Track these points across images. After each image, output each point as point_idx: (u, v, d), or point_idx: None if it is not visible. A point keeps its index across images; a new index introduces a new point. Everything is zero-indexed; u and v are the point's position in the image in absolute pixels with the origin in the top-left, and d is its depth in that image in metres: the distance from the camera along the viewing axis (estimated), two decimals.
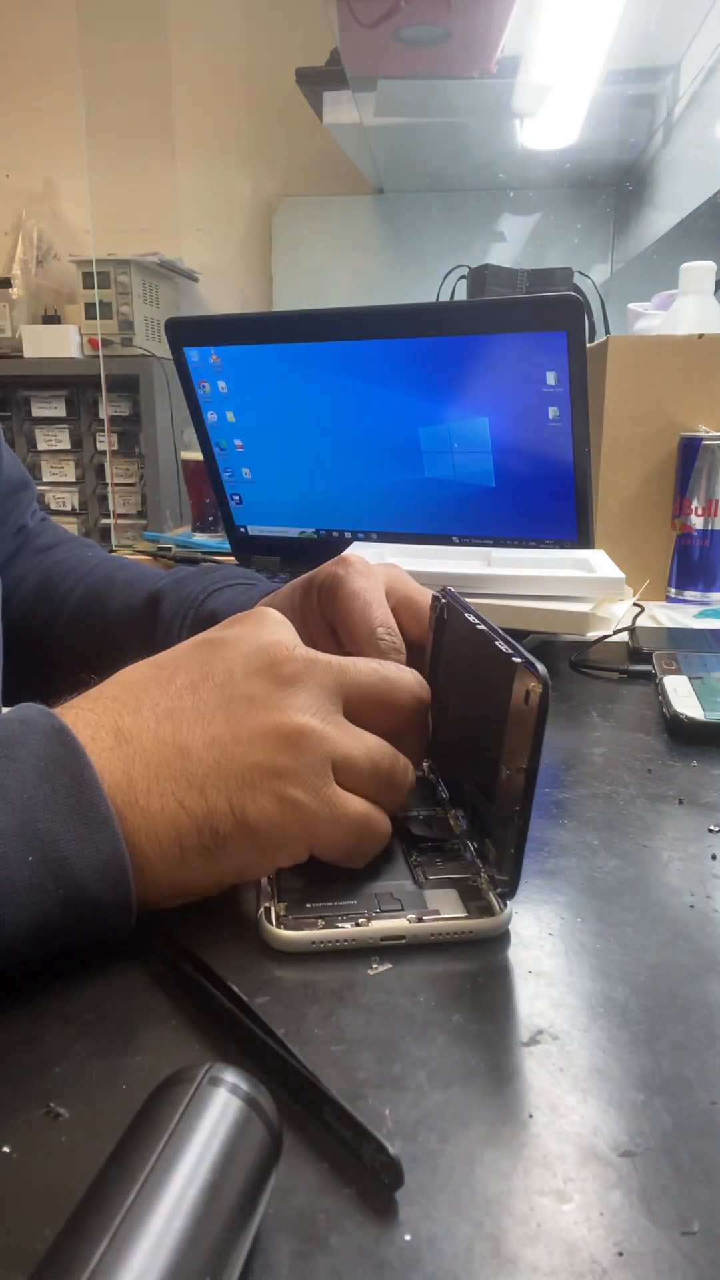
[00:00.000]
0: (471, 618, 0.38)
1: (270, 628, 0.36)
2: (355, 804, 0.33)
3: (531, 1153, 0.23)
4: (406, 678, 0.37)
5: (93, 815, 0.30)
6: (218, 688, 0.34)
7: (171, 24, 2.36)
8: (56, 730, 0.31)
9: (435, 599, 0.45)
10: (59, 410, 2.19)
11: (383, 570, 0.47)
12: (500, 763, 0.33)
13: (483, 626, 0.37)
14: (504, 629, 0.36)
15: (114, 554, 0.75)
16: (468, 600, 0.41)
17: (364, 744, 0.34)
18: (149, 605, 0.61)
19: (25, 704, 0.33)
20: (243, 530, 1.11)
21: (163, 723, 0.33)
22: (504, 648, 0.34)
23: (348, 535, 1.04)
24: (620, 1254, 0.20)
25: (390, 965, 0.31)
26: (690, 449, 0.96)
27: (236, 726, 0.32)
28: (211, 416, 1.04)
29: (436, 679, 0.43)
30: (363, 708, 0.36)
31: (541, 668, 0.30)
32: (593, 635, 0.71)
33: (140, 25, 2.35)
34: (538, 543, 0.92)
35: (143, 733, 0.32)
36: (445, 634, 0.43)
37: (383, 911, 0.33)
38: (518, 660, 0.32)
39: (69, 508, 2.25)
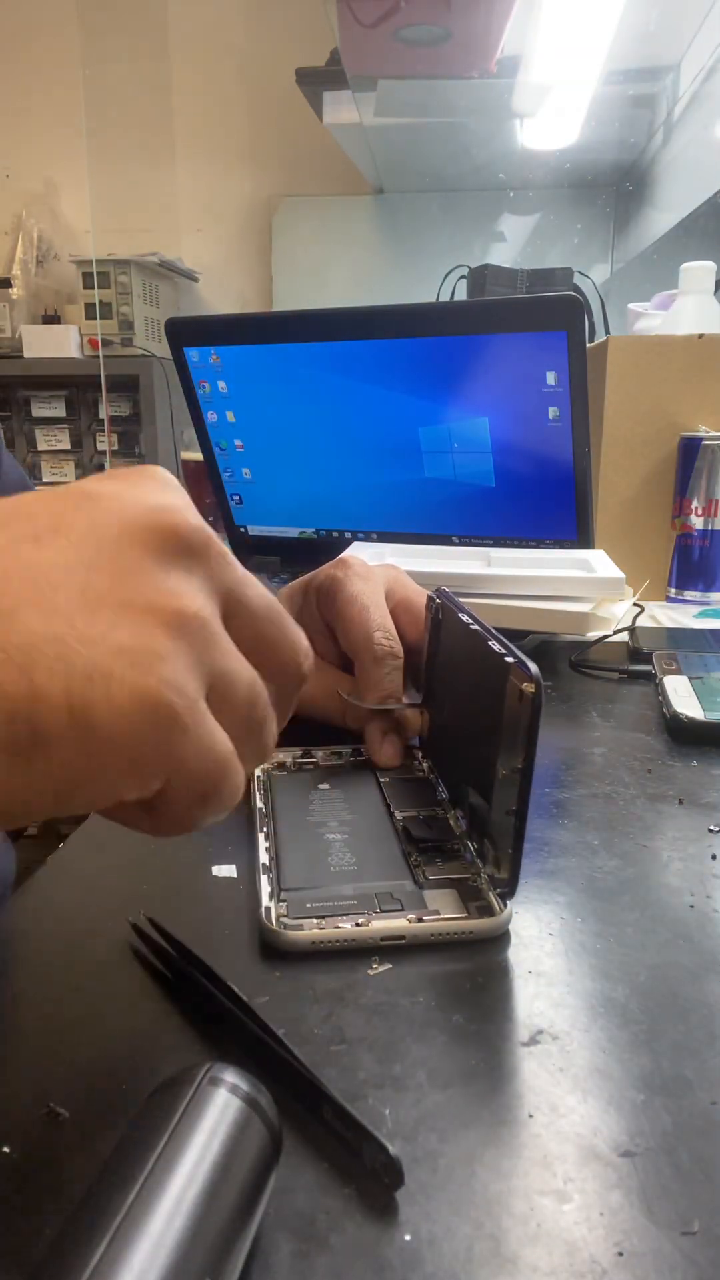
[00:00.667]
0: (465, 618, 0.38)
1: (159, 488, 0.26)
2: (224, 739, 0.25)
3: (531, 1153, 0.23)
4: (301, 635, 0.29)
5: None
6: (73, 546, 0.23)
7: (171, 24, 2.36)
8: None
9: (430, 599, 0.45)
10: (59, 410, 2.19)
11: (382, 572, 0.47)
12: (496, 762, 0.33)
13: (476, 626, 0.37)
14: (504, 629, 0.36)
15: None
16: (466, 601, 0.41)
17: (249, 669, 0.26)
18: None
19: None
20: (243, 530, 1.11)
21: None
22: (497, 647, 0.34)
23: (348, 535, 1.04)
24: (620, 1254, 0.20)
25: (390, 965, 0.31)
26: (690, 449, 0.96)
27: (96, 597, 0.23)
28: (211, 416, 1.04)
29: (433, 680, 0.43)
30: (240, 636, 0.27)
31: (534, 666, 0.30)
32: (593, 635, 0.71)
33: (140, 25, 2.35)
34: (538, 543, 0.92)
35: None
36: (441, 634, 0.43)
37: (383, 911, 0.33)
38: (510, 660, 0.32)
39: None
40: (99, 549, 0.24)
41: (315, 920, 0.32)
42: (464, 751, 0.38)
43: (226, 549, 0.26)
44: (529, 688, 0.30)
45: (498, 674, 0.33)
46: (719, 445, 0.94)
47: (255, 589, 0.27)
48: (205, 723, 0.24)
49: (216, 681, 0.25)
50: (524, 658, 0.31)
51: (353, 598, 0.44)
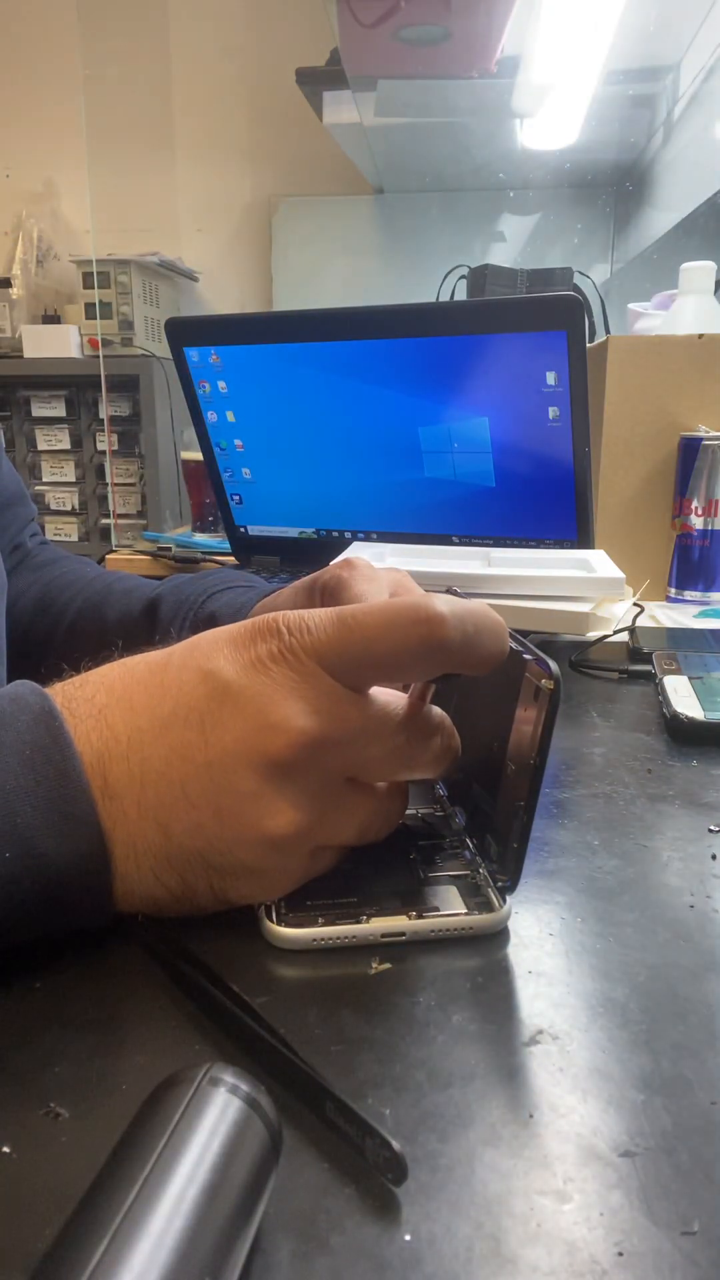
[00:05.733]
0: None
1: (280, 700, 0.30)
2: (329, 857, 0.34)
3: (531, 1153, 0.23)
4: (426, 755, 0.34)
5: (73, 812, 0.30)
6: (207, 769, 0.30)
7: (171, 24, 2.36)
8: (45, 713, 0.31)
9: None
10: (59, 410, 2.19)
11: (386, 575, 0.47)
12: (505, 758, 0.33)
13: None
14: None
15: (113, 570, 0.75)
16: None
17: (356, 819, 0.33)
18: (147, 610, 0.62)
19: (21, 681, 0.33)
20: (243, 530, 1.11)
21: (147, 788, 0.31)
22: (514, 645, 0.34)
23: (348, 535, 1.04)
24: (620, 1254, 0.20)
25: (390, 965, 0.31)
26: (690, 449, 0.96)
27: (224, 825, 0.31)
28: (211, 416, 1.04)
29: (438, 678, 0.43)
30: (377, 778, 0.34)
31: (553, 665, 0.31)
32: (593, 635, 0.71)
33: (140, 25, 2.35)
34: (538, 543, 0.92)
35: (126, 792, 0.31)
36: None
37: (383, 908, 0.33)
38: (528, 657, 0.32)
39: (69, 508, 2.24)
40: (226, 775, 0.30)
41: (316, 918, 0.32)
42: (470, 748, 0.38)
43: (344, 735, 0.31)
44: (548, 684, 0.30)
45: (514, 669, 0.33)
46: (719, 445, 0.94)
47: (371, 755, 0.32)
48: (312, 872, 0.33)
49: (327, 844, 0.33)
50: (542, 655, 0.32)
51: (358, 598, 0.44)
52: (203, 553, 1.34)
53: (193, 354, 1.01)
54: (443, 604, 0.31)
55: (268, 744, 0.30)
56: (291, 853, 0.31)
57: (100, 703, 0.32)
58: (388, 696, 0.33)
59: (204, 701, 0.31)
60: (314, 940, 0.31)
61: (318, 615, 0.32)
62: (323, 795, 0.32)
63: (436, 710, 0.34)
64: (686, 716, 0.53)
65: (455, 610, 0.31)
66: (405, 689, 0.35)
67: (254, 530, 1.10)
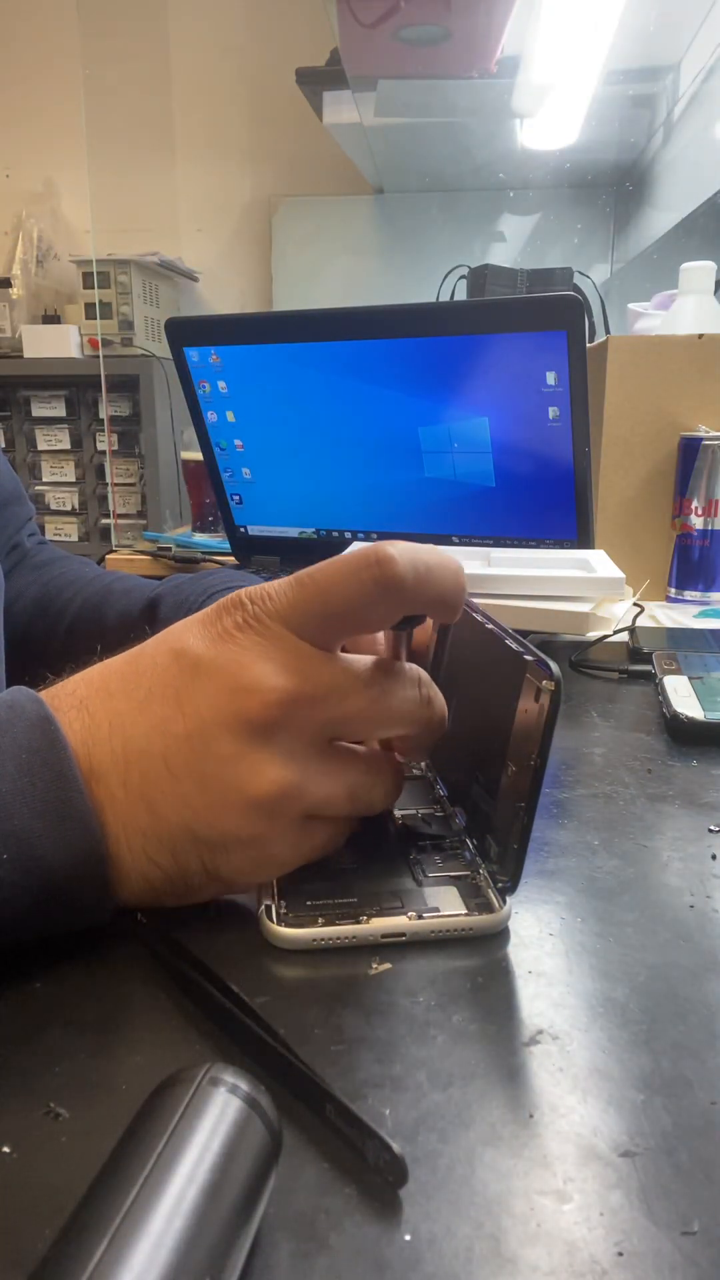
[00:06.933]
0: (479, 617, 0.39)
1: (250, 663, 0.31)
2: (325, 833, 0.34)
3: (531, 1153, 0.23)
4: (406, 706, 0.34)
5: (70, 813, 0.30)
6: (187, 739, 0.31)
7: (171, 24, 2.36)
8: (42, 719, 0.31)
9: None
10: (59, 410, 2.19)
11: None
12: (506, 759, 0.33)
13: (491, 625, 0.37)
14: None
15: (113, 570, 0.75)
16: (474, 600, 0.41)
17: (344, 782, 0.33)
18: (147, 610, 0.62)
19: (17, 687, 0.33)
20: (243, 530, 1.11)
21: (131, 766, 0.31)
22: (515, 646, 0.34)
23: (348, 535, 1.04)
24: (620, 1254, 0.20)
25: (390, 964, 0.31)
26: (690, 449, 0.96)
27: (208, 792, 0.31)
28: (211, 416, 1.04)
29: (439, 678, 0.43)
30: (359, 735, 0.34)
31: (554, 666, 0.31)
32: (593, 635, 0.71)
33: (140, 25, 2.35)
34: (538, 543, 0.92)
35: (111, 773, 0.31)
36: (450, 633, 0.43)
37: (383, 909, 0.33)
38: (529, 658, 0.32)
39: (69, 508, 2.24)
40: (206, 743, 0.31)
41: (316, 918, 0.32)
42: (470, 748, 0.38)
43: (318, 689, 0.31)
44: (549, 685, 0.31)
45: (515, 671, 0.33)
46: (719, 445, 0.94)
47: (349, 705, 0.32)
48: (306, 845, 0.33)
49: (317, 807, 0.32)
50: (542, 656, 0.32)
51: None
52: (203, 553, 1.34)
53: (193, 354, 1.01)
54: (394, 547, 0.31)
55: (242, 706, 0.30)
56: (278, 816, 0.31)
57: (80, 695, 0.33)
58: (359, 655, 0.33)
59: (178, 677, 0.32)
60: (314, 940, 0.31)
61: (278, 582, 0.32)
62: (305, 754, 0.32)
63: (412, 665, 0.34)
64: (686, 716, 0.53)
65: (405, 551, 0.31)
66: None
67: (254, 530, 1.10)
